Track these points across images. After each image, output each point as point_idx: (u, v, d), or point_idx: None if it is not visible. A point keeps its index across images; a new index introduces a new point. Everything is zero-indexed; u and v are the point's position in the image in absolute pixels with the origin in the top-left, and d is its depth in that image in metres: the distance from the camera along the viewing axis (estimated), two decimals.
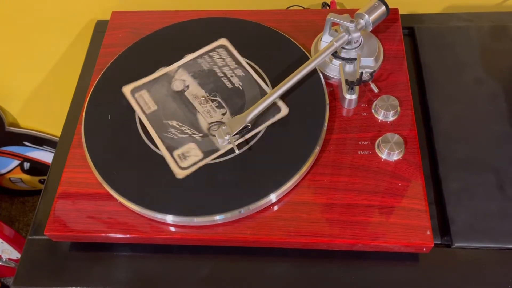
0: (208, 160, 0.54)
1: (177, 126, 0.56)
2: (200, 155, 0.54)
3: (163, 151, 0.55)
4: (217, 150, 0.55)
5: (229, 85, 0.60)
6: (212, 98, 0.59)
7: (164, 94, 0.60)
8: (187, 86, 0.59)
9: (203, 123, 0.57)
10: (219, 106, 0.58)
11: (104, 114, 0.60)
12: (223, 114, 0.58)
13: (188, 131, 0.56)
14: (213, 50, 0.63)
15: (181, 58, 0.64)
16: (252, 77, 0.61)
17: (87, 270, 0.54)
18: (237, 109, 0.58)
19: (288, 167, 0.53)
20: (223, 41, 0.65)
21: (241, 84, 0.60)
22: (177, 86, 0.60)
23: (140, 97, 0.59)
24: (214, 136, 0.56)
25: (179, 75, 0.61)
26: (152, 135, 0.57)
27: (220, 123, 0.56)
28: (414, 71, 0.67)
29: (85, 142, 0.57)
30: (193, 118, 0.58)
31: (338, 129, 0.58)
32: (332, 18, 0.60)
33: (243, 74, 0.61)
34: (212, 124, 0.57)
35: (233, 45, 0.64)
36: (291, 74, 0.57)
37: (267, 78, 0.61)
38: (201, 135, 0.56)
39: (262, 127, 0.56)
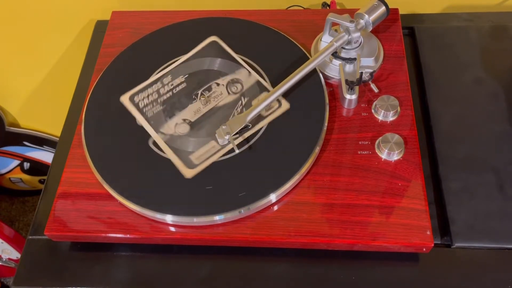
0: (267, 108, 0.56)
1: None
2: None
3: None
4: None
5: (185, 85, 0.61)
6: (202, 96, 0.59)
7: (187, 140, 0.56)
8: (186, 120, 0.58)
9: (228, 99, 0.59)
10: (208, 89, 0.60)
11: (104, 114, 0.60)
12: (218, 85, 0.60)
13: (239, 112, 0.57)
14: (156, 81, 0.62)
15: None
16: (176, 66, 0.63)
17: (87, 270, 0.54)
18: (217, 75, 0.61)
19: (288, 167, 0.53)
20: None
21: (183, 75, 0.62)
22: (183, 129, 0.57)
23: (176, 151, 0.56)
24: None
25: (168, 128, 0.57)
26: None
27: (236, 80, 0.60)
28: (414, 71, 0.67)
29: (85, 142, 0.57)
30: (222, 112, 0.58)
31: (338, 129, 0.58)
32: (332, 18, 0.60)
33: (173, 73, 0.62)
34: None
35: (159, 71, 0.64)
36: (291, 74, 0.57)
37: (267, 78, 0.61)
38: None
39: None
